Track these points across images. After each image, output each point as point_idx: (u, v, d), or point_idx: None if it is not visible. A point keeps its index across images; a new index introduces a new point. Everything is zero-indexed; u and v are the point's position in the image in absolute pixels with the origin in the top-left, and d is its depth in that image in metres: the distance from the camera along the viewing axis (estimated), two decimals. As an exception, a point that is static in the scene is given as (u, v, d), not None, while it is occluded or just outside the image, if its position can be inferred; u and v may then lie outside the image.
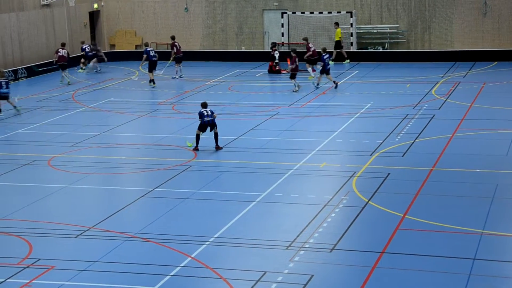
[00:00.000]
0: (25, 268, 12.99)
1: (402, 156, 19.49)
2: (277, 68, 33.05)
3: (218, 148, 20.48)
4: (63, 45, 32.88)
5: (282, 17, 36.98)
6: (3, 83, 26.22)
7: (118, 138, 22.76)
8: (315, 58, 31.66)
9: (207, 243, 13.91)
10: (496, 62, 34.27)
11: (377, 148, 20.22)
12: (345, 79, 31.59)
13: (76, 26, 38.26)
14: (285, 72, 32.12)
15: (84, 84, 32.20)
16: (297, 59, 29.01)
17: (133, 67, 36.31)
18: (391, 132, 21.86)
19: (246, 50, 38.28)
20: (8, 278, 12.55)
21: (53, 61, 33.06)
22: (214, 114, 20.50)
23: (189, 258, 13.23)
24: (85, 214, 15.89)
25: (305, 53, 31.95)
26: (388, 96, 27.68)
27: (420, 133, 21.66)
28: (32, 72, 34.24)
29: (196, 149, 20.47)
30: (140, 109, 26.80)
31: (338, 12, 36.50)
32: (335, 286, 12.21)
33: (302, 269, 12.65)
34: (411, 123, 22.98)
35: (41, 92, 30.43)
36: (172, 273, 12.62)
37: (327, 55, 29.33)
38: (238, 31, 38.53)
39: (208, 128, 20.37)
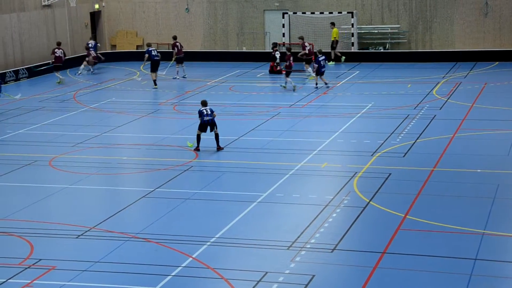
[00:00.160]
0: (26, 268, 12.99)
1: (403, 156, 19.49)
2: (278, 68, 33.06)
3: (219, 148, 20.48)
4: (59, 44, 32.79)
5: (283, 17, 36.98)
6: None
7: (119, 139, 22.76)
8: (310, 57, 31.72)
9: (208, 243, 13.91)
10: (497, 62, 34.26)
11: (378, 148, 20.21)
12: (346, 79, 31.59)
13: (77, 26, 38.27)
14: (284, 72, 32.12)
15: (85, 85, 32.22)
16: (291, 57, 29.49)
17: (134, 68, 36.31)
18: (392, 133, 21.86)
19: (247, 50, 38.28)
20: (10, 279, 12.56)
21: (49, 62, 33.02)
22: (214, 113, 20.50)
23: (190, 259, 13.23)
24: (86, 214, 15.89)
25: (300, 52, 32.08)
26: (389, 96, 27.68)
27: (421, 134, 21.65)
28: (33, 72, 34.25)
29: (197, 149, 20.48)
30: (141, 109, 26.81)
31: (339, 13, 36.51)
32: (336, 287, 12.21)
33: (303, 269, 12.65)
34: (412, 123, 22.98)
35: (42, 93, 30.44)
36: (173, 274, 12.62)
37: (323, 57, 29.45)
38: (239, 32, 38.54)
39: (208, 128, 20.37)
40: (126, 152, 21.40)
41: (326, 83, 29.52)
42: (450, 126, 22.38)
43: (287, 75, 29.27)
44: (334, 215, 15.25)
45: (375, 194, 16.45)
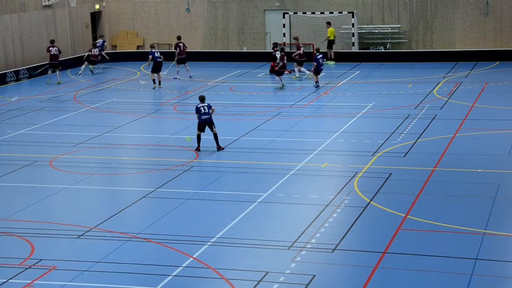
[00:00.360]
0: (27, 268, 13.00)
1: (404, 156, 19.48)
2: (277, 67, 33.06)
3: (219, 148, 20.47)
4: (52, 42, 32.69)
5: (284, 17, 36.99)
6: None
7: (120, 139, 22.76)
8: (303, 59, 31.77)
9: (209, 243, 13.91)
10: (497, 62, 34.25)
11: (379, 148, 20.21)
12: (347, 79, 31.59)
13: (77, 27, 38.29)
14: (287, 72, 32.14)
15: (86, 85, 32.22)
16: (285, 57, 29.84)
17: (134, 68, 36.32)
18: (393, 132, 21.85)
19: (247, 50, 38.28)
20: (10, 279, 12.56)
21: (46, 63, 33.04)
22: (212, 108, 20.50)
23: (191, 259, 13.23)
24: (87, 214, 15.90)
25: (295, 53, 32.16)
26: (390, 96, 27.68)
27: (422, 133, 21.65)
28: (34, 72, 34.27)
29: (198, 149, 20.48)
30: (142, 109, 26.81)
31: (339, 12, 36.51)
32: (337, 286, 12.20)
33: (304, 269, 12.65)
34: (413, 123, 22.98)
35: (43, 93, 30.45)
36: (174, 274, 12.62)
37: (321, 55, 29.55)
38: (239, 32, 38.54)
39: (207, 127, 20.38)
40: (127, 152, 21.40)
41: (317, 82, 29.48)
42: (451, 126, 22.38)
43: (278, 74, 29.64)
44: (335, 215, 15.25)
45: (375, 194, 16.45)
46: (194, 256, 13.33)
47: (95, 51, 34.71)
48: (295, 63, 31.91)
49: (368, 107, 25.65)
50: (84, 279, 12.53)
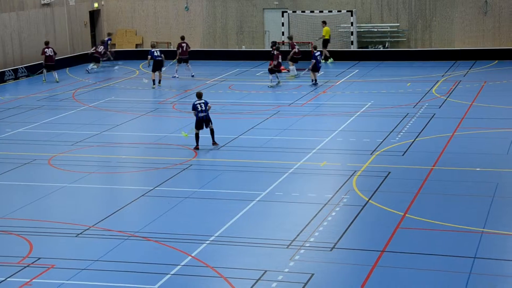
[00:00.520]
0: (25, 267, 12.99)
1: (403, 155, 19.49)
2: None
3: (214, 144, 20.52)
4: (47, 44, 32.69)
5: (283, 16, 36.98)
6: None
7: (118, 137, 22.75)
8: (298, 57, 31.78)
9: (208, 242, 13.91)
10: (496, 61, 34.27)
11: (378, 147, 20.21)
12: (346, 78, 31.59)
13: (76, 25, 38.26)
14: (285, 70, 32.16)
15: (84, 83, 32.21)
16: (280, 56, 29.97)
17: (133, 66, 36.30)
18: (392, 131, 21.86)
19: (246, 49, 38.27)
20: (9, 277, 12.56)
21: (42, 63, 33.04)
22: (209, 105, 20.53)
23: (190, 257, 13.23)
24: (86, 213, 15.89)
25: (290, 52, 32.16)
26: (389, 95, 27.68)
27: (421, 132, 21.65)
28: (32, 71, 34.21)
29: (196, 148, 20.48)
30: (141, 108, 26.80)
31: (338, 11, 36.51)
32: (336, 285, 12.21)
33: (302, 268, 12.65)
34: (411, 122, 22.98)
35: (41, 91, 30.43)
36: (172, 272, 12.62)
37: (318, 53, 29.64)
38: (238, 30, 38.53)
39: (204, 124, 20.42)
40: (125, 151, 21.39)
41: (315, 80, 29.59)
42: (449, 125, 22.38)
43: (272, 72, 29.82)
44: (334, 213, 15.25)
45: (374, 192, 16.45)
46: (193, 254, 13.33)
47: (101, 49, 34.83)
48: (290, 62, 31.91)
49: (367, 105, 25.65)
50: (83, 277, 12.53)
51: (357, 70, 33.42)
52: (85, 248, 13.86)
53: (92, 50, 35.09)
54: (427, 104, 25.62)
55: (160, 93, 29.62)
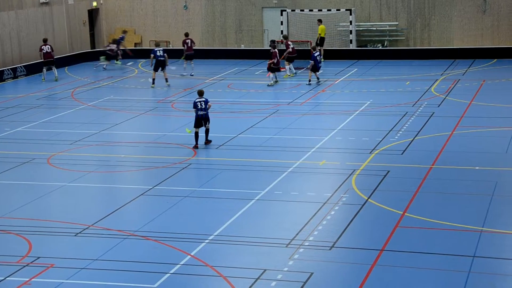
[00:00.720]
0: (24, 266, 12.99)
1: (402, 153, 19.49)
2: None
3: (207, 142, 20.58)
4: (45, 41, 32.70)
5: (282, 14, 36.97)
6: None
7: (117, 136, 22.75)
8: (294, 56, 31.80)
9: (207, 241, 13.91)
10: (495, 60, 34.27)
11: (377, 145, 20.22)
12: (345, 76, 31.59)
13: (75, 24, 38.24)
14: (283, 69, 32.17)
15: (83, 82, 32.19)
16: (277, 54, 30.04)
17: (132, 65, 36.28)
18: (391, 130, 21.86)
19: (245, 47, 38.26)
20: (8, 276, 12.55)
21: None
22: (209, 103, 20.56)
23: (189, 256, 13.23)
24: (85, 212, 15.89)
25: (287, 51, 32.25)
26: (388, 93, 27.68)
27: (420, 131, 21.66)
28: (31, 70, 34.22)
29: (195, 147, 20.49)
30: (140, 107, 26.79)
31: (337, 10, 36.50)
32: (335, 284, 12.21)
33: (301, 267, 12.66)
34: (410, 120, 22.99)
35: (40, 90, 30.41)
36: (171, 271, 12.62)
37: (317, 53, 29.66)
38: (237, 29, 38.52)
39: (202, 122, 20.48)
40: (125, 150, 21.38)
41: (318, 79, 29.67)
42: (449, 124, 22.39)
43: (272, 71, 29.88)
44: (333, 212, 15.25)
45: (373, 191, 16.46)
46: (192, 253, 13.33)
47: (114, 46, 35.00)
48: (286, 61, 31.93)
49: (366, 104, 25.66)
50: (82, 277, 12.52)
51: (356, 69, 33.42)
52: (84, 247, 13.85)
53: (105, 46, 35.45)
54: (426, 103, 25.62)
55: (159, 92, 29.61)
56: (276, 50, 30.35)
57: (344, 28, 36.69)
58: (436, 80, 29.94)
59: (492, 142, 20.39)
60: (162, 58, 30.14)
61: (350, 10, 36.19)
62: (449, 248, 13.24)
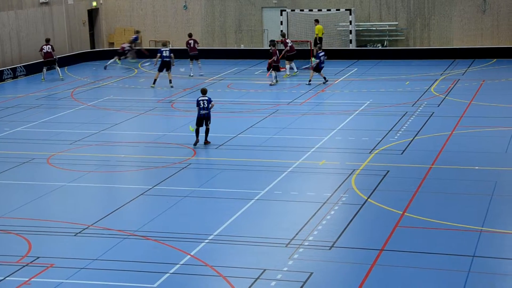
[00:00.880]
0: (24, 266, 12.99)
1: (401, 153, 19.49)
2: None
3: (206, 142, 20.57)
4: (47, 41, 32.75)
5: (281, 14, 36.96)
6: None
7: (117, 136, 22.75)
8: (293, 53, 31.79)
9: (207, 241, 13.91)
10: (495, 60, 34.28)
11: (376, 145, 20.22)
12: (344, 76, 31.59)
13: (74, 24, 38.24)
14: (283, 69, 32.17)
15: (83, 82, 32.19)
16: (277, 52, 30.14)
17: (132, 65, 36.28)
18: (390, 130, 21.86)
19: (245, 47, 38.26)
20: (7, 276, 12.55)
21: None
22: (212, 103, 20.59)
23: (189, 256, 13.23)
24: (84, 212, 15.89)
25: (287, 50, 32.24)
26: (387, 93, 27.68)
27: (419, 131, 21.66)
28: (31, 70, 34.22)
29: (196, 141, 20.52)
30: (139, 107, 26.79)
31: (337, 10, 36.50)
32: (334, 284, 12.21)
33: (301, 267, 12.66)
34: (410, 120, 22.99)
35: (40, 90, 30.41)
36: (171, 271, 12.62)
37: (323, 53, 29.62)
38: (237, 29, 38.52)
39: (203, 122, 20.51)
40: (124, 149, 21.39)
41: (324, 78, 29.69)
42: (448, 124, 22.39)
43: (274, 69, 29.93)
44: (332, 212, 15.25)
45: (373, 191, 16.46)
46: (192, 253, 13.33)
47: (125, 46, 35.12)
48: (286, 61, 31.93)
49: (366, 104, 25.66)
50: (82, 276, 12.52)
51: (355, 69, 33.42)
52: (84, 247, 13.85)
53: (121, 46, 35.70)
54: (425, 102, 25.62)
55: (159, 92, 29.61)
56: (275, 48, 30.41)
57: (344, 28, 36.69)
58: (436, 80, 29.94)
59: (492, 142, 20.39)
60: (167, 59, 30.02)
61: (350, 10, 36.19)
62: (449, 248, 13.24)
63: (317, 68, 29.44)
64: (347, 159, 19.18)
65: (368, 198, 16.03)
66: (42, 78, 32.44)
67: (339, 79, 30.85)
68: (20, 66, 33.97)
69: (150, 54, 36.37)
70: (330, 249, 13.41)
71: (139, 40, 37.21)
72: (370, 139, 20.87)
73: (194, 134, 20.65)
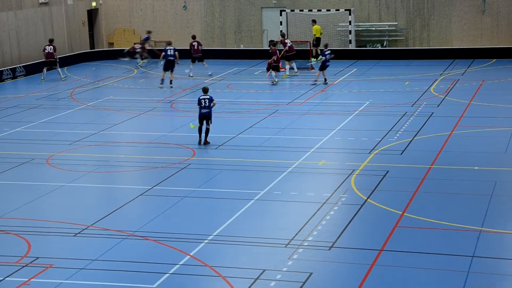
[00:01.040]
0: (23, 266, 12.98)
1: (401, 154, 19.49)
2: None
3: (206, 142, 20.58)
4: (50, 41, 32.79)
5: (281, 15, 36.96)
6: None
7: (116, 136, 22.75)
8: (292, 53, 31.80)
9: (206, 241, 13.91)
10: (494, 60, 34.28)
11: (376, 146, 20.22)
12: (344, 77, 31.59)
13: (74, 24, 38.23)
14: (283, 69, 32.16)
15: (83, 82, 32.19)
16: (277, 52, 30.21)
17: (131, 65, 36.28)
18: (390, 130, 21.86)
19: (244, 48, 38.25)
20: (7, 277, 12.55)
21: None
22: (214, 101, 20.60)
23: (188, 256, 13.23)
24: (84, 212, 15.88)
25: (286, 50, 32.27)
26: (387, 94, 27.68)
27: (419, 131, 21.66)
28: (30, 70, 34.22)
29: (200, 140, 20.62)
30: (139, 107, 26.79)
31: (336, 10, 36.50)
32: (334, 284, 12.21)
33: (300, 267, 12.65)
34: (409, 120, 22.99)
35: (39, 91, 30.41)
36: (171, 271, 12.62)
37: (329, 51, 29.56)
38: (236, 29, 38.51)
39: (204, 121, 20.52)
40: (124, 150, 21.38)
41: (325, 79, 29.68)
42: (448, 124, 22.39)
43: (273, 69, 29.95)
44: (332, 212, 15.25)
45: (372, 191, 16.46)
46: (191, 254, 13.32)
47: (137, 46, 35.33)
48: (285, 61, 31.92)
49: (365, 104, 25.66)
50: (81, 277, 12.52)
51: (355, 69, 33.42)
52: (84, 247, 13.85)
53: (132, 46, 35.78)
54: (425, 103, 25.62)
55: (158, 92, 29.60)
56: (275, 48, 30.43)
57: (343, 28, 36.69)
58: (436, 80, 29.95)
59: (491, 142, 20.39)
60: (171, 58, 29.99)
61: (349, 10, 36.19)
62: (448, 248, 13.24)
63: (322, 67, 29.41)
64: (346, 159, 19.18)
65: (367, 198, 16.03)
66: (42, 78, 32.45)
67: (339, 79, 30.84)
68: (19, 67, 33.96)
69: (149, 54, 36.37)
70: (329, 249, 13.41)
71: (149, 40, 37.05)
72: (369, 139, 20.88)
73: (197, 132, 20.67)
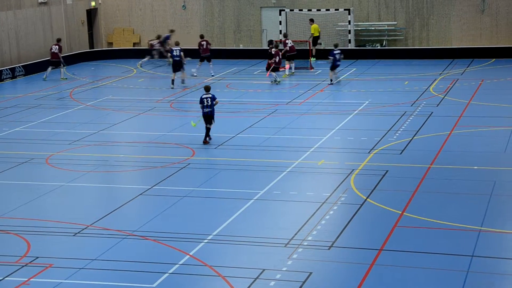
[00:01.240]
0: (23, 266, 12.98)
1: (400, 153, 19.50)
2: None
3: (205, 142, 20.57)
4: (58, 41, 32.82)
5: (280, 14, 36.97)
6: None
7: (116, 136, 22.74)
8: (293, 53, 31.80)
9: (206, 241, 13.91)
10: (494, 59, 34.29)
11: (375, 145, 20.22)
12: (343, 76, 31.58)
13: (73, 24, 38.23)
14: (283, 69, 32.16)
15: (82, 82, 32.18)
16: (280, 54, 30.22)
17: (131, 65, 36.28)
18: (389, 130, 21.87)
19: (244, 47, 38.25)
20: (6, 277, 12.55)
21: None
22: (216, 100, 20.61)
23: (188, 256, 13.23)
24: (83, 212, 15.88)
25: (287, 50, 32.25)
26: (386, 93, 27.69)
27: (418, 131, 21.67)
28: (30, 70, 34.21)
29: (205, 140, 20.66)
30: (138, 107, 26.78)
31: (336, 10, 36.50)
32: (334, 284, 12.21)
33: (300, 267, 12.66)
34: (409, 120, 22.99)
35: (39, 90, 30.40)
36: (170, 271, 12.62)
37: (338, 51, 29.50)
38: (236, 29, 38.51)
39: (206, 120, 20.57)
40: (123, 149, 21.38)
41: (331, 80, 29.56)
42: (447, 123, 22.40)
43: (273, 70, 29.95)
44: (331, 212, 15.26)
45: (372, 191, 16.46)
46: (191, 253, 13.33)
47: (154, 43, 35.10)
48: (286, 61, 31.90)
49: (365, 104, 25.66)
50: (81, 276, 12.52)
51: (354, 69, 33.42)
52: (83, 247, 13.85)
53: (149, 44, 35.61)
54: (424, 102, 25.63)
55: (158, 92, 29.59)
56: (278, 49, 30.35)
57: (343, 28, 36.68)
58: (435, 79, 29.95)
59: (491, 141, 20.40)
60: (177, 58, 29.95)
61: (349, 9, 36.20)
62: (448, 248, 13.24)
63: (333, 66, 29.38)
64: (346, 159, 19.18)
65: (367, 198, 16.03)
66: (45, 77, 32.39)
67: (338, 79, 30.83)
68: (19, 66, 33.95)
69: (148, 54, 36.32)
70: (329, 249, 13.41)
71: (170, 39, 36.82)
72: (369, 139, 20.88)
73: (197, 131, 20.66)
